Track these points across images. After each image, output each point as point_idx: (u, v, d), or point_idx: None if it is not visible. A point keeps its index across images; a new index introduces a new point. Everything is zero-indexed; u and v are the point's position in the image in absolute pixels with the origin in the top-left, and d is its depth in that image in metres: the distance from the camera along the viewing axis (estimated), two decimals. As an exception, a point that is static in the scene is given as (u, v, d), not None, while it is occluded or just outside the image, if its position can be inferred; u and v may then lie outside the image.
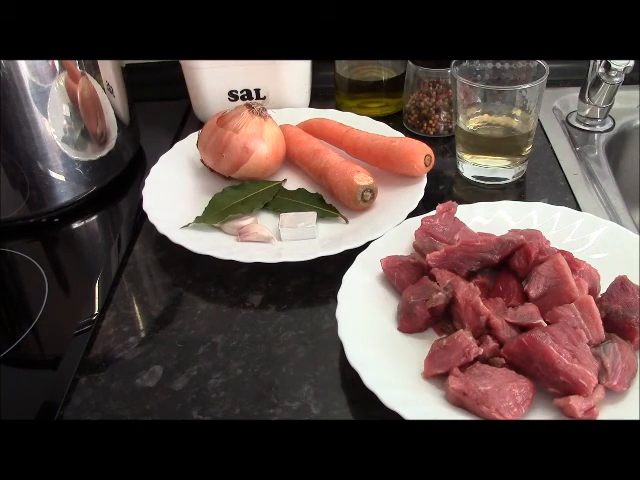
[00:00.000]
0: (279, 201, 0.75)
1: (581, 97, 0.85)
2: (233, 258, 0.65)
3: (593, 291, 0.57)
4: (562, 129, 0.86)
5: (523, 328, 0.54)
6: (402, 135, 0.80)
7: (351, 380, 0.53)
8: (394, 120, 0.88)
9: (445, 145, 0.85)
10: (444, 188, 0.78)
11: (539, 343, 0.50)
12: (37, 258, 0.71)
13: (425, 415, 0.48)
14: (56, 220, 0.77)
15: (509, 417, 0.48)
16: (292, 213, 0.71)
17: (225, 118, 0.76)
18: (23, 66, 0.67)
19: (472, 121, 0.76)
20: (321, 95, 0.95)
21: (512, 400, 0.49)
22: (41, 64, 0.68)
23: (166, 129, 0.92)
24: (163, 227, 0.69)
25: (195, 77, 0.87)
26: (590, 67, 0.82)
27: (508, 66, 0.75)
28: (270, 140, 0.76)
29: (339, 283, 0.60)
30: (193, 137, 0.83)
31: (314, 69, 0.93)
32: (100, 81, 0.76)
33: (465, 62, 0.75)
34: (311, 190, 0.77)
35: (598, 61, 0.80)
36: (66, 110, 0.72)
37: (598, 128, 0.86)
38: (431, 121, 0.85)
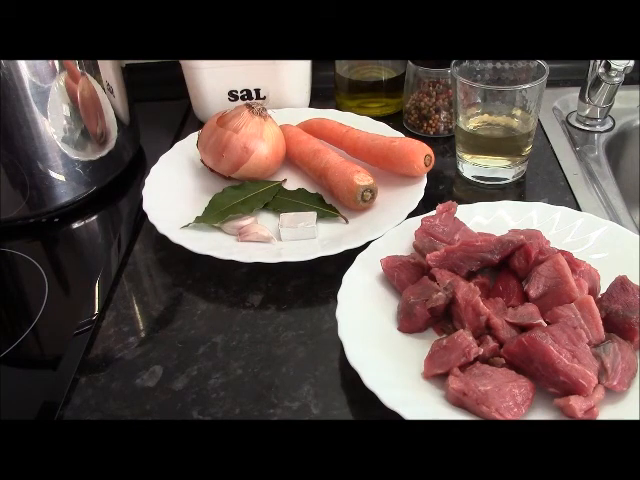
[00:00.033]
0: (279, 201, 0.75)
1: (581, 97, 0.85)
2: (233, 258, 0.65)
3: (593, 291, 0.57)
4: (562, 129, 0.86)
5: (523, 328, 0.54)
6: (402, 135, 0.80)
7: (351, 380, 0.53)
8: (394, 120, 0.88)
9: (445, 145, 0.85)
10: (444, 188, 0.78)
11: (539, 343, 0.50)
12: (37, 258, 0.71)
13: (425, 415, 0.48)
14: (56, 220, 0.77)
15: (509, 417, 0.48)
16: (292, 213, 0.71)
17: (225, 118, 0.76)
18: (23, 66, 0.67)
19: (472, 121, 0.76)
20: (321, 95, 0.95)
21: (512, 400, 0.49)
22: (41, 64, 0.68)
23: (166, 129, 0.92)
24: (163, 227, 0.69)
25: (195, 77, 0.87)
26: (590, 67, 0.82)
27: (508, 66, 0.75)
28: (270, 140, 0.76)
29: (339, 283, 0.60)
30: (193, 137, 0.83)
31: (314, 69, 0.93)
32: (100, 81, 0.76)
33: (465, 62, 0.75)
34: (311, 190, 0.77)
35: (598, 61, 0.80)
36: (66, 110, 0.72)
37: (598, 128, 0.86)
38: (431, 121, 0.85)
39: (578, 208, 0.72)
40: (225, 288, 0.66)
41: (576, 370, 0.49)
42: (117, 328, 0.63)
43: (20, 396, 0.56)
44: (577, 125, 0.87)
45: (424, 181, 0.74)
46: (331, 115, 0.86)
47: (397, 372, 0.53)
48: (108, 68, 0.77)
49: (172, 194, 0.76)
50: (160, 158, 0.80)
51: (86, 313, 0.64)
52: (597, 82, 0.82)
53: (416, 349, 0.56)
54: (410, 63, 0.84)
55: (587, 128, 0.86)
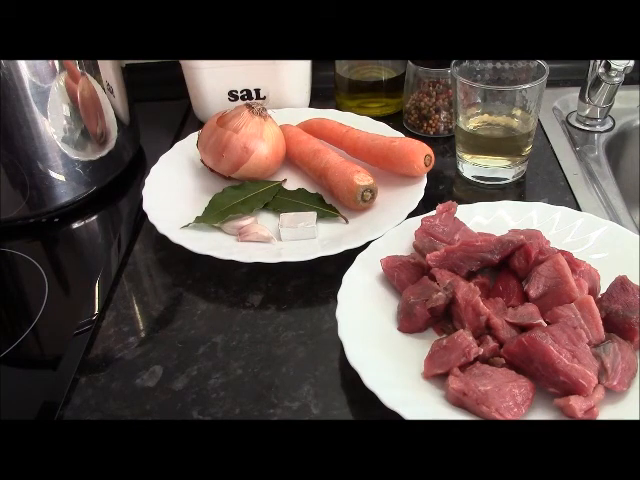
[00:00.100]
0: (279, 201, 0.75)
1: (581, 97, 0.85)
2: (233, 258, 0.65)
3: (593, 291, 0.57)
4: (562, 129, 0.86)
5: (523, 328, 0.54)
6: (402, 135, 0.80)
7: (351, 380, 0.53)
8: (394, 120, 0.88)
9: (445, 145, 0.85)
10: (444, 188, 0.78)
11: (539, 343, 0.50)
12: (37, 258, 0.71)
13: (425, 415, 0.48)
14: (56, 220, 0.77)
15: (509, 417, 0.48)
16: (292, 213, 0.71)
17: (225, 118, 0.76)
18: (23, 66, 0.67)
19: (472, 121, 0.76)
20: (321, 95, 0.95)
21: (512, 400, 0.49)
22: (41, 64, 0.68)
23: (166, 129, 0.92)
24: (163, 227, 0.69)
25: (195, 77, 0.87)
26: (590, 67, 0.82)
27: (508, 66, 0.75)
28: (270, 140, 0.76)
29: (339, 283, 0.60)
30: (193, 137, 0.83)
31: (314, 69, 0.93)
32: (100, 81, 0.76)
33: (465, 62, 0.75)
34: (311, 190, 0.77)
35: (598, 61, 0.80)
36: (66, 110, 0.72)
37: (598, 128, 0.86)
38: (431, 121, 0.85)
39: (578, 208, 0.72)
40: (225, 288, 0.66)
41: (576, 370, 0.49)
42: (117, 328, 0.63)
43: (20, 396, 0.56)
44: (577, 125, 0.87)
45: (424, 181, 0.74)
46: (331, 115, 0.86)
47: (397, 372, 0.53)
48: (108, 68, 0.77)
49: (172, 194, 0.76)
50: (160, 158, 0.80)
51: (86, 313, 0.64)
52: (597, 82, 0.82)
53: (416, 349, 0.56)
54: (410, 63, 0.84)
55: (587, 128, 0.86)
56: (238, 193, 0.75)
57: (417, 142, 0.74)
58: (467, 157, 0.77)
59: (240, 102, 0.88)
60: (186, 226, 0.70)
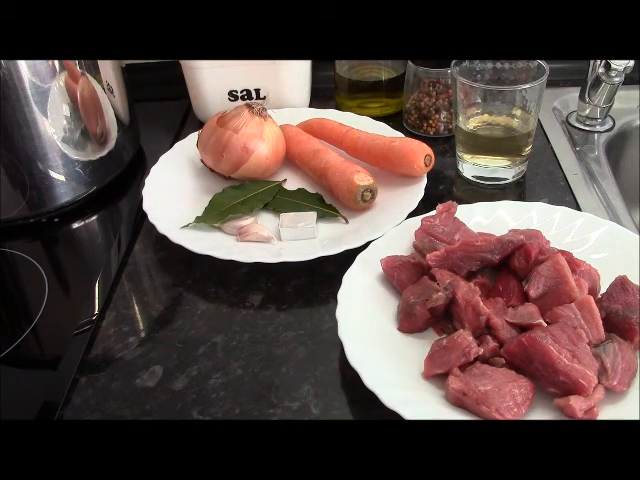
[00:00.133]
0: (279, 201, 0.75)
1: (581, 97, 0.85)
2: (233, 258, 0.65)
3: (593, 291, 0.57)
4: (562, 129, 0.86)
5: (523, 328, 0.54)
6: (402, 135, 0.80)
7: (351, 380, 0.53)
8: (394, 120, 0.88)
9: (445, 145, 0.85)
10: (444, 188, 0.78)
11: (539, 343, 0.50)
12: (37, 258, 0.71)
13: (425, 415, 0.48)
14: (56, 220, 0.77)
15: (509, 417, 0.48)
16: (292, 213, 0.71)
17: (225, 118, 0.76)
18: (23, 66, 0.67)
19: (472, 121, 0.76)
20: (321, 95, 0.95)
21: (512, 400, 0.49)
22: (41, 64, 0.68)
23: (166, 129, 0.92)
24: (163, 227, 0.69)
25: (195, 77, 0.87)
26: (590, 67, 0.82)
27: (508, 66, 0.75)
28: (270, 140, 0.76)
29: (339, 283, 0.60)
30: (193, 137, 0.83)
31: (314, 69, 0.93)
32: (100, 81, 0.76)
33: (465, 62, 0.75)
34: (311, 190, 0.77)
35: (598, 61, 0.80)
36: (66, 110, 0.72)
37: (598, 128, 0.86)
38: (431, 121, 0.85)
39: (578, 208, 0.72)
40: (225, 288, 0.66)
41: (576, 370, 0.49)
42: (117, 328, 0.63)
43: (20, 396, 0.56)
44: (577, 125, 0.87)
45: (424, 181, 0.74)
46: (331, 115, 0.86)
47: (397, 372, 0.53)
48: (108, 68, 0.77)
49: (172, 194, 0.76)
50: (160, 158, 0.80)
51: (86, 313, 0.64)
52: (597, 82, 0.82)
53: (416, 349, 0.56)
54: (410, 63, 0.84)
55: (587, 128, 0.86)
56: (238, 193, 0.75)
57: (417, 142, 0.74)
58: (467, 157, 0.77)
59: (240, 102, 0.88)
60: (186, 226, 0.70)
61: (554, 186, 0.77)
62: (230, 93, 0.88)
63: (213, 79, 0.86)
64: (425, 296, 0.57)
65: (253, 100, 0.88)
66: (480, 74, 0.76)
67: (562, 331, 0.51)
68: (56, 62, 0.69)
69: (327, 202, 0.74)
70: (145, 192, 0.74)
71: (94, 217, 0.78)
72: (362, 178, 0.71)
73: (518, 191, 0.77)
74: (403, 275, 0.60)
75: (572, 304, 0.53)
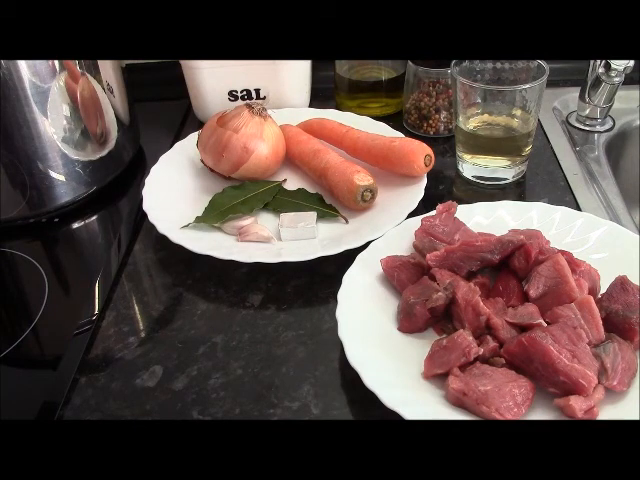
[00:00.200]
0: (279, 201, 0.75)
1: (581, 97, 0.85)
2: (233, 258, 0.65)
3: (593, 291, 0.57)
4: (562, 129, 0.86)
5: (523, 328, 0.54)
6: (402, 135, 0.80)
7: (351, 380, 0.53)
8: (394, 120, 0.88)
9: (445, 145, 0.85)
10: (444, 188, 0.78)
11: (539, 343, 0.50)
12: (37, 258, 0.71)
13: (425, 415, 0.48)
14: (56, 220, 0.77)
15: (509, 417, 0.48)
16: (292, 213, 0.71)
17: (225, 118, 0.76)
18: (23, 66, 0.67)
19: (472, 121, 0.76)
20: (321, 95, 0.95)
21: (512, 400, 0.49)
22: (41, 64, 0.68)
23: (166, 129, 0.92)
24: (163, 227, 0.69)
25: (195, 77, 0.87)
26: (590, 67, 0.82)
27: (508, 66, 0.75)
28: (270, 140, 0.76)
29: (339, 283, 0.60)
30: (193, 137, 0.83)
31: (314, 69, 0.93)
32: (100, 81, 0.76)
33: (465, 62, 0.75)
34: (311, 190, 0.77)
35: (598, 61, 0.80)
36: (66, 110, 0.72)
37: (598, 128, 0.86)
38: (431, 121, 0.85)
39: (578, 208, 0.72)
40: (225, 288, 0.66)
41: (576, 370, 0.49)
42: (117, 328, 0.63)
43: (20, 396, 0.56)
44: (577, 125, 0.87)
45: (424, 181, 0.74)
46: (331, 115, 0.86)
47: (397, 372, 0.53)
48: (108, 68, 0.77)
49: (172, 194, 0.76)
50: (160, 158, 0.80)
51: (86, 313, 0.64)
52: (597, 82, 0.82)
53: (416, 349, 0.56)
54: (410, 63, 0.84)
55: (587, 128, 0.86)
56: (238, 193, 0.75)
57: (417, 142, 0.74)
58: (467, 157, 0.77)
59: (240, 102, 0.88)
60: (186, 226, 0.70)
61: (554, 186, 0.77)
62: (230, 93, 0.88)
63: (213, 79, 0.86)
64: (425, 296, 0.57)
65: (253, 100, 0.88)
66: (480, 74, 0.76)
67: (562, 331, 0.51)
68: (56, 62, 0.69)
69: (327, 202, 0.74)
70: (145, 192, 0.74)
71: (94, 217, 0.78)
72: (362, 178, 0.71)
73: (518, 191, 0.77)
74: (403, 275, 0.60)
75: (572, 304, 0.53)
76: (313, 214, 0.71)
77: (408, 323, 0.57)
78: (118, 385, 0.57)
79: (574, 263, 0.57)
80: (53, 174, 0.74)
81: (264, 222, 0.72)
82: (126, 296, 0.66)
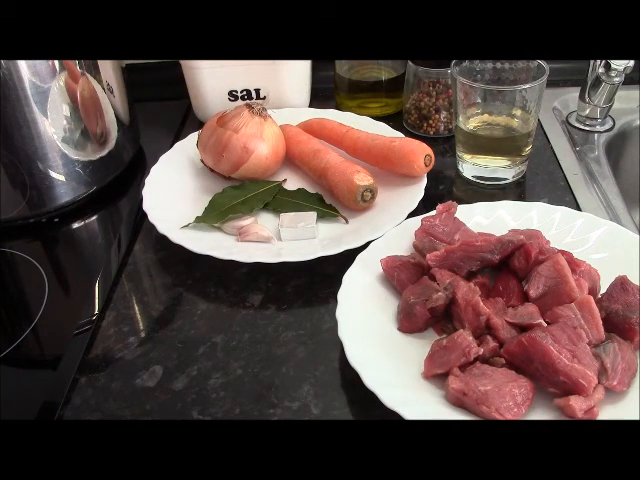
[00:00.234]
0: (279, 201, 0.75)
1: (581, 97, 0.85)
2: (233, 258, 0.65)
3: (593, 291, 0.57)
4: (562, 129, 0.86)
5: (523, 328, 0.54)
6: (402, 135, 0.80)
7: (351, 380, 0.53)
8: (394, 120, 0.88)
9: (445, 145, 0.85)
10: (444, 188, 0.78)
11: (539, 343, 0.50)
12: (37, 258, 0.71)
13: (425, 415, 0.48)
14: (56, 220, 0.77)
15: (509, 417, 0.48)
16: (292, 213, 0.71)
17: (225, 118, 0.76)
18: (23, 66, 0.67)
19: (472, 121, 0.76)
20: (321, 95, 0.95)
21: (512, 400, 0.49)
22: (41, 64, 0.68)
23: (166, 129, 0.92)
24: (163, 227, 0.69)
25: (195, 77, 0.87)
26: (590, 67, 0.82)
27: (508, 66, 0.75)
28: (270, 140, 0.76)
29: (339, 283, 0.60)
30: (193, 137, 0.83)
31: (314, 69, 0.93)
32: (100, 81, 0.76)
33: (465, 62, 0.75)
34: (311, 190, 0.77)
35: (598, 61, 0.80)
36: (66, 110, 0.72)
37: (598, 128, 0.86)
38: (431, 121, 0.85)
39: (578, 208, 0.72)
40: (225, 288, 0.66)
41: (576, 370, 0.49)
42: (117, 328, 0.63)
43: (20, 396, 0.56)
44: (577, 125, 0.87)
45: (424, 181, 0.74)
46: (331, 115, 0.86)
47: (397, 372, 0.53)
48: (108, 68, 0.77)
49: (172, 194, 0.76)
50: (160, 158, 0.80)
51: (86, 313, 0.64)
52: (597, 82, 0.82)
53: (416, 349, 0.56)
54: (410, 63, 0.84)
55: (587, 128, 0.86)
56: (238, 193, 0.75)
57: (417, 142, 0.74)
58: (467, 157, 0.77)
59: (240, 102, 0.88)
60: (186, 226, 0.70)
61: (554, 186, 0.77)
62: (230, 93, 0.88)
63: (213, 79, 0.86)
64: (425, 296, 0.57)
65: (253, 100, 0.88)
66: (480, 74, 0.76)
67: (562, 331, 0.51)
68: (56, 62, 0.69)
69: (327, 202, 0.74)
70: (145, 192, 0.74)
71: (94, 217, 0.78)
72: (362, 178, 0.71)
73: (518, 191, 0.77)
74: (403, 275, 0.60)
75: (572, 304, 0.53)
76: (313, 214, 0.71)
77: (408, 323, 0.57)
78: (118, 385, 0.57)
79: (574, 263, 0.57)
80: (53, 174, 0.74)
81: (264, 222, 0.72)
82: (126, 296, 0.66)
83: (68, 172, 0.75)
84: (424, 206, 0.70)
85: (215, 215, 0.71)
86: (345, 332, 0.55)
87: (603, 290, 0.57)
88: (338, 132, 0.81)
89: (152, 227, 0.70)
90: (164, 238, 0.68)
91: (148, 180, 0.76)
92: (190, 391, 0.56)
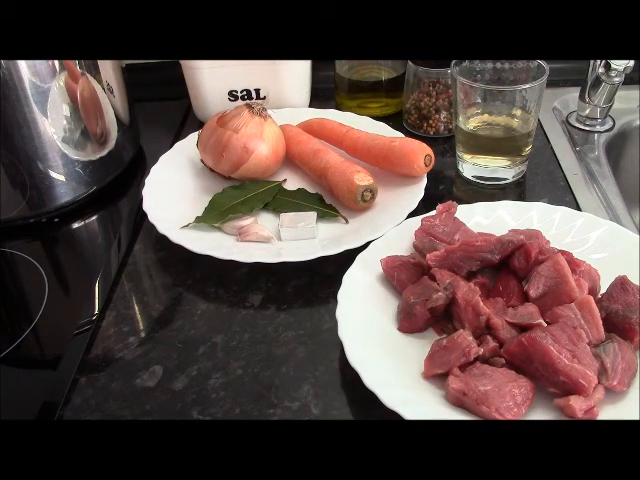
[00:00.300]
0: (279, 201, 0.75)
1: (581, 97, 0.85)
2: (233, 258, 0.65)
3: (593, 291, 0.57)
4: (562, 129, 0.86)
5: (523, 328, 0.54)
6: (402, 135, 0.80)
7: (351, 380, 0.53)
8: (394, 120, 0.88)
9: (445, 145, 0.85)
10: (444, 188, 0.78)
11: (539, 343, 0.50)
12: (37, 258, 0.71)
13: (425, 415, 0.48)
14: (56, 220, 0.77)
15: (509, 417, 0.48)
16: (292, 213, 0.71)
17: (225, 118, 0.76)
18: (23, 66, 0.67)
19: (472, 121, 0.76)
20: (321, 95, 0.95)
21: (512, 400, 0.49)
22: (41, 64, 0.68)
23: (166, 129, 0.92)
24: (163, 227, 0.69)
25: (195, 77, 0.87)
26: (590, 67, 0.82)
27: (508, 66, 0.75)
28: (270, 140, 0.76)
29: (339, 283, 0.60)
30: (193, 137, 0.83)
31: (314, 69, 0.94)
32: (100, 81, 0.76)
33: (465, 62, 0.75)
34: (311, 190, 0.77)
35: (598, 61, 0.80)
36: (66, 110, 0.72)
37: (598, 128, 0.86)
38: (431, 121, 0.85)
39: (578, 208, 0.72)
40: (225, 288, 0.66)
41: (576, 370, 0.49)
42: (117, 328, 0.63)
43: (20, 396, 0.56)
44: (577, 125, 0.87)
45: (424, 181, 0.74)
46: (331, 115, 0.86)
47: (397, 372, 0.53)
48: (108, 68, 0.77)
49: (172, 194, 0.76)
50: (160, 158, 0.80)
51: (86, 313, 0.64)
52: (597, 82, 0.82)
53: (416, 349, 0.56)
54: (410, 63, 0.84)
55: (587, 128, 0.86)
56: (238, 193, 0.75)
57: (417, 142, 0.74)
58: (467, 157, 0.77)
59: (240, 102, 0.88)
60: (186, 226, 0.70)
61: (554, 186, 0.77)
62: (230, 93, 0.88)
63: (213, 79, 0.86)
64: (425, 296, 0.57)
65: (253, 100, 0.88)
66: (480, 74, 0.76)
67: (562, 331, 0.51)
68: (56, 62, 0.69)
69: (327, 202, 0.74)
70: (145, 192, 0.74)
71: (94, 217, 0.78)
72: (362, 178, 0.71)
73: (518, 191, 0.77)
74: (403, 275, 0.60)
75: (572, 304, 0.53)
76: (313, 214, 0.71)
77: (408, 323, 0.57)
78: (118, 385, 0.57)
79: (574, 263, 0.57)
80: (53, 174, 0.74)
81: (264, 222, 0.72)
82: (126, 296, 0.66)
83: (68, 172, 0.75)
84: (424, 206, 0.70)
85: (215, 215, 0.71)
86: (345, 332, 0.55)
87: (603, 290, 0.57)
88: (338, 132, 0.81)
89: (152, 227, 0.70)
90: (164, 238, 0.68)
91: (148, 180, 0.76)
92: (190, 391, 0.56)
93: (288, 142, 0.80)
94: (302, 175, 0.80)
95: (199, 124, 0.91)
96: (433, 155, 0.74)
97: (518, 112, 0.74)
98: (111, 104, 0.78)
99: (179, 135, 0.90)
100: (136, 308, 0.65)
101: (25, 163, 0.72)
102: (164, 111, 0.97)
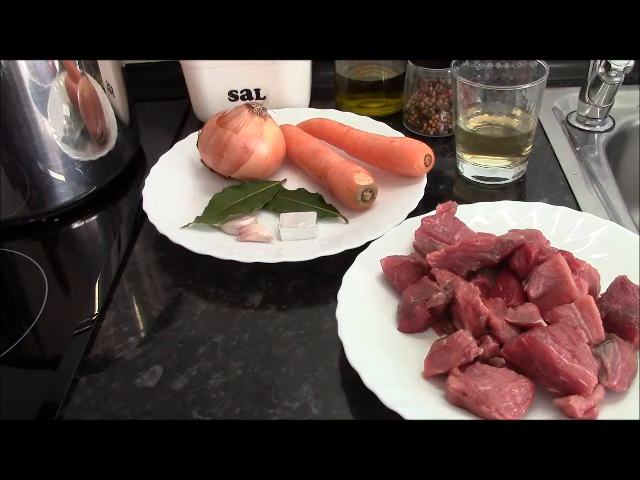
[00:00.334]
0: (279, 201, 0.75)
1: (581, 97, 0.85)
2: (233, 258, 0.65)
3: (593, 291, 0.57)
4: (562, 129, 0.86)
5: (523, 328, 0.54)
6: (402, 135, 0.80)
7: (351, 380, 0.53)
8: (394, 120, 0.88)
9: (445, 145, 0.85)
10: (444, 188, 0.78)
11: (539, 343, 0.50)
12: (37, 258, 0.71)
13: (425, 415, 0.48)
14: (56, 220, 0.77)
15: (509, 417, 0.48)
16: (292, 213, 0.71)
17: (225, 118, 0.76)
18: (23, 66, 0.67)
19: (472, 121, 0.76)
20: (321, 95, 0.95)
21: (512, 400, 0.49)
22: (41, 64, 0.68)
23: (166, 129, 0.92)
24: (163, 227, 0.69)
25: (195, 77, 0.87)
26: (590, 67, 0.82)
27: (508, 66, 0.75)
28: (270, 140, 0.76)
29: (339, 283, 0.60)
30: (193, 137, 0.83)
31: (314, 69, 0.94)
32: (100, 81, 0.76)
33: (465, 62, 0.75)
34: (311, 190, 0.77)
35: (598, 61, 0.80)
36: (66, 110, 0.72)
37: (598, 128, 0.86)
38: (431, 121, 0.85)
39: (578, 208, 0.72)
40: (225, 288, 0.66)
41: (576, 370, 0.49)
42: (117, 328, 0.63)
43: (20, 396, 0.56)
44: (577, 125, 0.87)
45: (424, 181, 0.74)
46: (331, 115, 0.86)
47: (397, 372, 0.53)
48: (108, 68, 0.77)
49: (172, 194, 0.76)
50: (160, 158, 0.80)
51: (86, 313, 0.64)
52: (597, 82, 0.82)
53: (416, 349, 0.56)
54: (410, 63, 0.84)
55: (587, 128, 0.86)
56: (238, 193, 0.75)
57: (417, 142, 0.74)
58: (467, 157, 0.77)
59: (240, 102, 0.88)
60: (186, 226, 0.70)
61: (554, 186, 0.77)
62: (230, 93, 0.88)
63: (213, 79, 0.86)
64: (425, 296, 0.57)
65: (253, 100, 0.88)
66: (480, 74, 0.76)
67: (562, 331, 0.51)
68: (56, 62, 0.69)
69: (327, 202, 0.74)
70: (145, 192, 0.74)
71: (94, 217, 0.78)
72: (362, 178, 0.71)
73: (518, 191, 0.77)
74: (403, 275, 0.60)
75: (572, 304, 0.53)
76: (313, 214, 0.71)
77: (408, 323, 0.57)
78: (118, 385, 0.57)
79: (574, 263, 0.57)
80: (53, 174, 0.74)
81: (264, 222, 0.72)
82: (126, 296, 0.66)
83: (68, 172, 0.75)
84: (424, 206, 0.70)
85: (215, 215, 0.71)
86: (345, 332, 0.55)
87: (603, 290, 0.57)
88: (338, 132, 0.81)
89: (152, 227, 0.70)
90: (164, 238, 0.68)
91: (148, 180, 0.76)
92: (190, 391, 0.56)
93: (288, 142, 0.80)
94: (302, 175, 0.80)
95: (199, 124, 0.91)
96: (433, 155, 0.74)
97: (518, 112, 0.74)
98: (111, 104, 0.78)
99: (179, 135, 0.90)
100: (136, 308, 0.65)
101: (25, 163, 0.72)
102: (164, 111, 0.97)
